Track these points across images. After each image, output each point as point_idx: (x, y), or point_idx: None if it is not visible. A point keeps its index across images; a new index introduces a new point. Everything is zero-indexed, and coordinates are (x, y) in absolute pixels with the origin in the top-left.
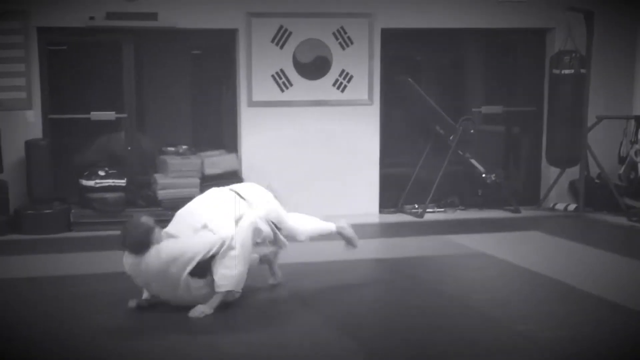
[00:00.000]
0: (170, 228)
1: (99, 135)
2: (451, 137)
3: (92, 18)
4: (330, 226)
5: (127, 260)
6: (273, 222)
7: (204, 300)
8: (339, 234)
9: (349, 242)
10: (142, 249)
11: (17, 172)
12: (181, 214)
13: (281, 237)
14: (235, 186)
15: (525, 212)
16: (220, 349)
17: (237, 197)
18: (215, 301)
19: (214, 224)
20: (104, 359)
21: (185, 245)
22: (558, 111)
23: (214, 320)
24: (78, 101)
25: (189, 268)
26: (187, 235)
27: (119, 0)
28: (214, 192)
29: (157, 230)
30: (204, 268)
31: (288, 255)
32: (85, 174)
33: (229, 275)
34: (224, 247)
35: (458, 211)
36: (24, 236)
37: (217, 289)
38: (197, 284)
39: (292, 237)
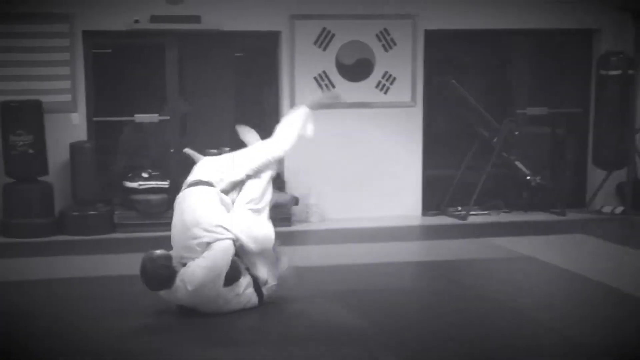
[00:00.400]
0: (175, 255)
1: (142, 137)
2: (495, 139)
3: (136, 21)
4: (302, 110)
5: (161, 293)
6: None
7: (246, 300)
8: (316, 106)
9: (330, 99)
10: (169, 282)
11: (62, 174)
12: (175, 239)
13: (265, 186)
14: (194, 178)
15: (571, 215)
16: (254, 354)
17: (207, 188)
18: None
19: (213, 236)
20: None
21: (206, 267)
22: (605, 112)
23: (247, 323)
24: (122, 104)
25: (220, 285)
26: (194, 257)
27: (163, 4)
28: (185, 203)
29: (172, 257)
30: (232, 275)
31: (332, 257)
32: (129, 175)
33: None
34: (238, 243)
35: (502, 214)
36: (69, 237)
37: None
38: (233, 290)
39: (276, 163)
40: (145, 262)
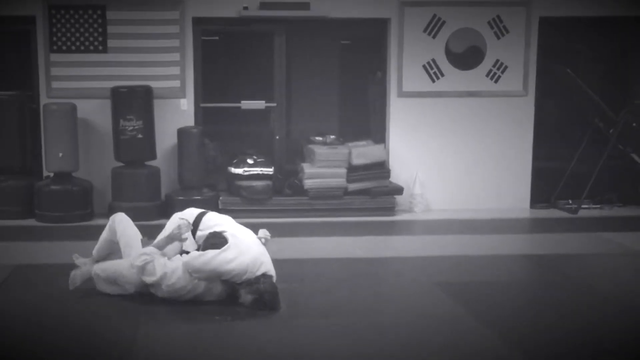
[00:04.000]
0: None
1: (248, 123)
2: (611, 131)
3: (245, 8)
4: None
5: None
6: None
7: None
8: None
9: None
10: None
11: (169, 159)
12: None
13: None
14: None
15: None
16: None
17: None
18: None
19: None
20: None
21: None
22: None
23: (350, 301)
24: (229, 90)
25: None
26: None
27: None
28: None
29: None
30: None
31: (436, 248)
32: (234, 161)
33: None
34: None
35: (616, 208)
36: None
37: None
38: None
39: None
40: (267, 290)
